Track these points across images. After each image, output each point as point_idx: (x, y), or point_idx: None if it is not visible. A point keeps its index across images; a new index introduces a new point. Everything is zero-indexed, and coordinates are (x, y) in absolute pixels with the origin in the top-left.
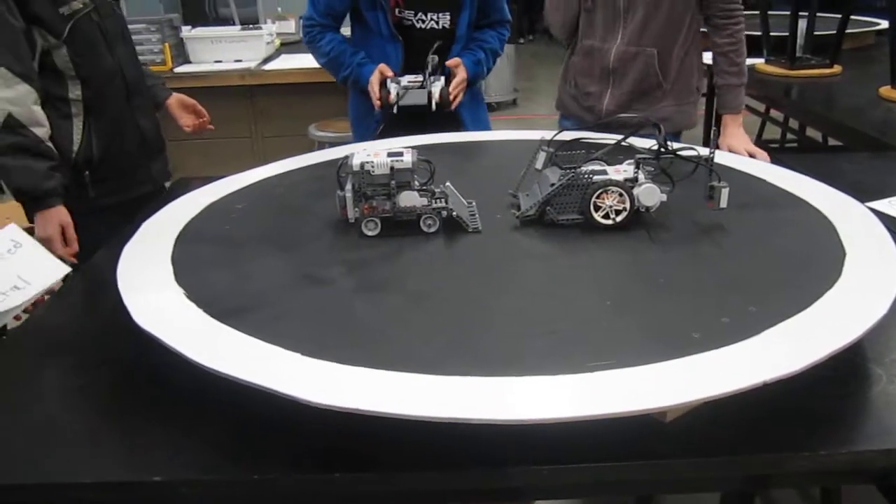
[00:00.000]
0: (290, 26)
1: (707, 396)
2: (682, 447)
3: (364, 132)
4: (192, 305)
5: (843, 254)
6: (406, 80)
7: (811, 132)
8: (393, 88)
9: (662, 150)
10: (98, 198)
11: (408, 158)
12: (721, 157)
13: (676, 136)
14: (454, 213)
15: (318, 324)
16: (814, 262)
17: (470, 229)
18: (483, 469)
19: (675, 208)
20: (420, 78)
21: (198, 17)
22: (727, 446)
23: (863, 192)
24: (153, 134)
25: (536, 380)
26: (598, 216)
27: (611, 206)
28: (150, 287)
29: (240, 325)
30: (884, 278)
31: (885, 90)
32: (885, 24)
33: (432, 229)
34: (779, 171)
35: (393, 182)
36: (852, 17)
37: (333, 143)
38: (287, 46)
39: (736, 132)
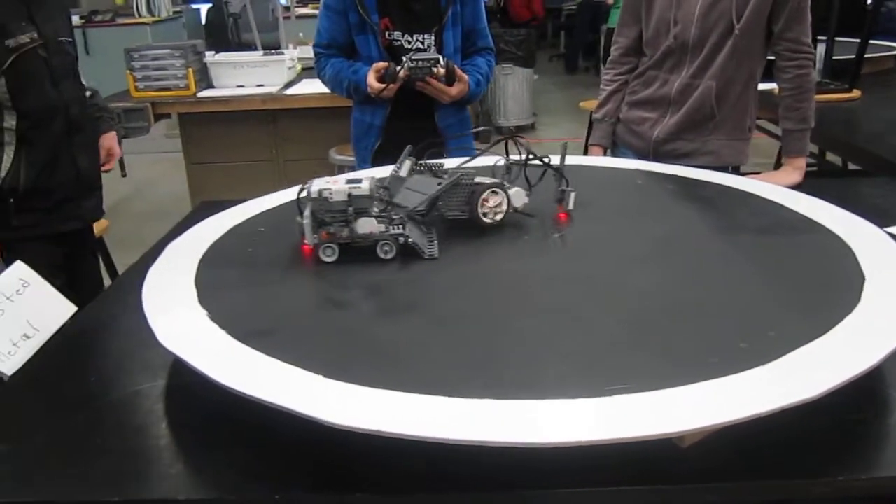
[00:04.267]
0: (312, 52)
1: (724, 421)
2: (700, 472)
3: (364, 151)
4: (216, 327)
5: (863, 279)
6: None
7: (831, 156)
8: (402, 67)
9: (520, 159)
10: (21, 227)
11: (365, 185)
12: (740, 183)
13: (728, 171)
14: (410, 240)
15: (340, 346)
16: (833, 288)
17: (426, 256)
18: (498, 493)
19: (697, 232)
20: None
21: (221, 43)
22: (744, 471)
23: (882, 217)
24: (90, 171)
25: (554, 403)
26: (481, 214)
27: (492, 207)
28: (175, 309)
29: (262, 346)
30: None
31: None
32: None
33: (389, 256)
34: (797, 196)
35: (350, 208)
36: (871, 41)
37: (354, 167)
38: (308, 71)
39: (781, 175)
